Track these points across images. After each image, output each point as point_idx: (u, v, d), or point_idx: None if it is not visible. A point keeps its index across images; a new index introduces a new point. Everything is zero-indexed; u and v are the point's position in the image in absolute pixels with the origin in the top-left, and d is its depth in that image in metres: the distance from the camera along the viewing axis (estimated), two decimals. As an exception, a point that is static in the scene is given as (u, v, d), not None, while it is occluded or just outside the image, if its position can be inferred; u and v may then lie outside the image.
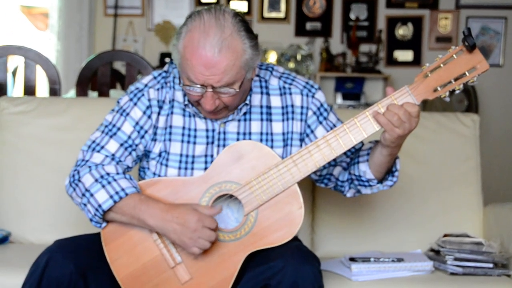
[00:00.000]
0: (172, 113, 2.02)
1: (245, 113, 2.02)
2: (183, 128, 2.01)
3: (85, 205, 1.91)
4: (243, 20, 1.87)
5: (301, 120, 2.05)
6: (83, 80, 3.37)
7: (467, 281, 2.23)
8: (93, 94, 3.66)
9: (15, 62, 3.85)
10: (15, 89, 4.76)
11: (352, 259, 2.28)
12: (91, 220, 1.93)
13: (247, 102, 2.00)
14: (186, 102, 1.99)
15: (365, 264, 2.25)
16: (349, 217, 2.58)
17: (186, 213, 1.83)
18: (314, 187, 2.60)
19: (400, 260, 2.28)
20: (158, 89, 2.03)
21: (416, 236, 2.57)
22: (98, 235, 1.98)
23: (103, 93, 3.36)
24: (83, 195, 1.91)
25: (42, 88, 3.86)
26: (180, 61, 1.87)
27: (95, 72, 3.38)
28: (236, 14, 1.87)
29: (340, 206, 2.57)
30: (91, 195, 1.89)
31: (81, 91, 3.36)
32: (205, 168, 1.98)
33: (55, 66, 3.41)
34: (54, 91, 3.37)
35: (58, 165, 2.59)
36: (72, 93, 4.07)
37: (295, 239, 2.00)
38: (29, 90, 3.35)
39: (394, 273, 2.24)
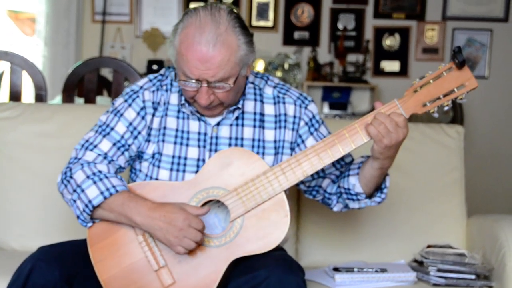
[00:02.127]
0: (166, 115, 2.04)
1: (237, 118, 2.04)
2: (177, 130, 2.03)
3: (74, 201, 1.92)
4: (238, 17, 1.92)
5: (293, 129, 2.08)
6: (69, 87, 3.36)
7: (450, 292, 2.24)
8: (80, 100, 3.65)
9: (1, 67, 3.84)
10: (1, 94, 4.74)
11: (336, 269, 2.29)
12: (78, 217, 1.93)
13: (240, 106, 2.02)
14: (183, 102, 2.02)
15: (349, 274, 2.26)
16: (334, 227, 2.59)
17: (173, 212, 1.84)
18: (299, 197, 2.60)
19: (383, 270, 2.29)
20: (153, 91, 2.06)
21: (399, 246, 2.58)
22: (83, 241, 1.98)
23: (90, 100, 3.35)
24: (74, 190, 1.92)
25: (28, 94, 3.85)
26: (176, 57, 1.92)
27: (81, 78, 3.37)
28: (232, 11, 1.91)
29: (325, 216, 2.57)
30: (82, 190, 1.90)
31: (68, 97, 3.35)
32: (196, 172, 2.00)
33: (41, 72, 3.40)
34: (40, 97, 3.36)
35: (43, 171, 2.58)
36: (58, 99, 4.06)
37: (280, 248, 2.01)
38: (15, 95, 3.33)
39: (377, 284, 2.25)
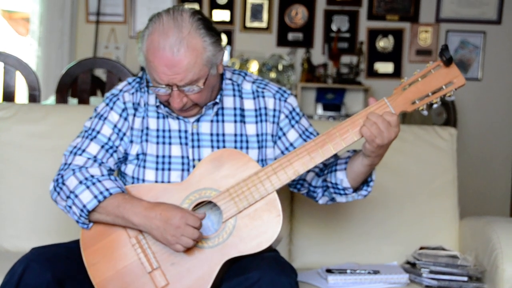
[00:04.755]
0: (147, 115, 2.06)
1: (217, 114, 2.05)
2: (157, 130, 2.05)
3: (70, 207, 1.93)
4: (202, 18, 1.92)
5: (273, 122, 2.09)
6: (63, 87, 3.36)
7: (442, 294, 2.25)
8: (73, 101, 3.64)
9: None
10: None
11: (329, 271, 2.30)
12: (77, 221, 1.94)
13: (218, 101, 2.03)
14: (158, 104, 2.04)
15: (342, 275, 2.26)
16: (327, 228, 2.59)
17: (169, 210, 1.85)
18: (292, 198, 2.60)
19: (376, 272, 2.30)
20: (132, 93, 2.08)
21: (392, 248, 2.58)
22: (76, 243, 1.98)
23: (83, 100, 3.34)
24: (68, 197, 1.93)
25: (21, 94, 3.84)
26: (145, 63, 1.94)
27: (75, 79, 3.37)
28: (195, 13, 1.92)
29: (318, 217, 2.58)
30: (76, 196, 1.91)
31: (61, 98, 3.35)
32: (182, 170, 2.02)
33: (35, 72, 3.39)
34: (34, 98, 3.35)
35: (36, 172, 2.57)
36: (52, 99, 4.05)
37: (273, 250, 2.01)
38: (8, 96, 3.33)
39: (370, 285, 2.26)
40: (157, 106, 2.04)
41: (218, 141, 2.04)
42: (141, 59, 1.96)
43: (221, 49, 1.96)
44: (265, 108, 2.09)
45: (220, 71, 2.00)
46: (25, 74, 3.35)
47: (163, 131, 2.05)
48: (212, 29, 1.93)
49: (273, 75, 5.52)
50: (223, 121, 2.06)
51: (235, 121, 2.07)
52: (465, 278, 2.32)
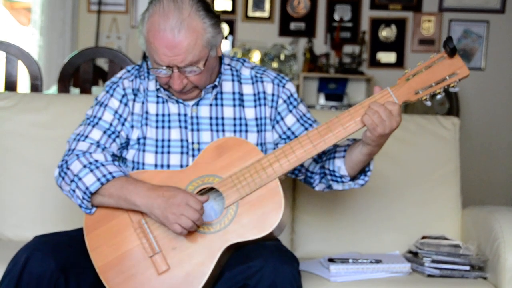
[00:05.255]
0: (147, 101, 2.08)
1: (216, 98, 2.07)
2: (157, 115, 2.07)
3: (73, 191, 1.95)
4: (201, 0, 1.95)
5: (272, 107, 2.11)
6: (65, 77, 3.36)
7: (444, 283, 2.25)
8: (75, 90, 3.64)
9: (-3, 57, 3.83)
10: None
11: (331, 260, 2.30)
12: (80, 206, 1.96)
13: (217, 84, 2.06)
14: (158, 87, 2.06)
15: (344, 265, 2.26)
16: (329, 217, 2.59)
17: (172, 190, 1.87)
18: (295, 188, 2.60)
19: (378, 261, 2.30)
20: (132, 80, 2.11)
21: (394, 237, 2.58)
22: (78, 231, 1.99)
23: (85, 90, 3.34)
24: (72, 180, 1.95)
25: (23, 84, 3.84)
26: (145, 46, 1.97)
27: (77, 68, 3.37)
28: None
29: (320, 207, 2.58)
30: (79, 179, 1.93)
31: (63, 87, 3.35)
32: (181, 153, 2.04)
33: (37, 62, 3.39)
34: (36, 87, 3.35)
35: (38, 161, 2.58)
36: (53, 89, 4.05)
37: (275, 239, 2.02)
38: (10, 85, 3.33)
39: (372, 274, 2.26)
40: (157, 90, 2.07)
41: (217, 124, 2.06)
42: (142, 42, 1.99)
43: (220, 31, 1.99)
44: (264, 92, 2.11)
45: (219, 54, 2.03)
46: (27, 64, 3.35)
47: (163, 115, 2.06)
48: (211, 11, 1.96)
49: (275, 65, 5.51)
50: (222, 105, 2.08)
51: (234, 105, 2.08)
52: (467, 268, 2.32)
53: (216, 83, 2.06)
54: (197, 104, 2.06)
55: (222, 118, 2.07)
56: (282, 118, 2.11)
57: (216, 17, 1.97)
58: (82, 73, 3.36)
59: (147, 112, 2.07)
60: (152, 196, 1.87)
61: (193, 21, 1.90)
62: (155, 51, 1.91)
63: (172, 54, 1.89)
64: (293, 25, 5.71)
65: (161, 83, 2.01)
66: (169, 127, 2.06)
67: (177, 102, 2.06)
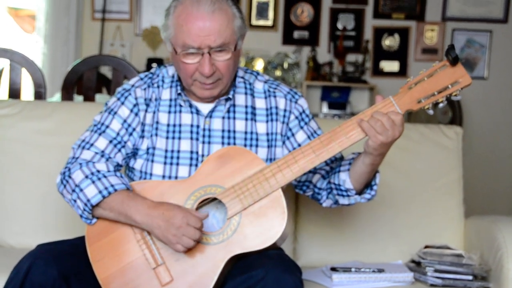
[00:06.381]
0: (158, 110, 2.07)
1: (229, 111, 2.06)
2: (168, 125, 2.06)
3: (75, 201, 1.94)
4: None
5: (283, 122, 2.10)
6: (68, 84, 3.36)
7: (447, 293, 2.25)
8: (79, 98, 3.65)
9: (1, 64, 3.83)
10: (0, 92, 4.74)
11: (333, 269, 2.30)
12: (81, 216, 1.95)
13: (230, 96, 2.05)
14: (179, 91, 2.05)
15: (346, 274, 2.26)
16: (332, 226, 2.59)
17: (171, 210, 1.85)
18: (298, 197, 2.60)
19: (380, 270, 2.29)
20: (144, 89, 2.09)
21: (397, 247, 2.58)
22: (81, 239, 1.98)
23: (89, 98, 3.35)
24: (73, 190, 1.94)
25: (27, 91, 3.85)
26: (174, 33, 1.96)
27: (81, 76, 3.37)
28: None
29: (323, 215, 2.58)
30: (81, 190, 1.92)
31: (67, 95, 3.36)
32: (190, 165, 2.02)
33: (40, 70, 3.40)
34: (39, 95, 3.36)
35: (41, 169, 2.58)
36: (57, 97, 4.06)
37: (277, 248, 2.01)
38: (14, 93, 3.33)
39: (374, 284, 2.26)
40: (179, 94, 2.06)
41: (229, 137, 2.05)
42: (167, 34, 1.99)
43: (246, 26, 2.03)
44: (276, 107, 2.10)
45: (240, 54, 2.05)
46: (31, 71, 3.36)
47: (174, 125, 2.06)
48: (239, 8, 2.01)
49: (278, 73, 5.51)
50: (234, 118, 2.07)
51: (246, 119, 2.08)
52: (470, 277, 2.32)
53: (230, 95, 2.05)
54: (210, 116, 2.05)
55: (234, 131, 2.06)
56: (293, 134, 2.11)
57: (242, 13, 2.01)
58: (86, 81, 3.37)
59: (157, 122, 2.06)
60: (152, 215, 1.86)
61: (224, 6, 1.95)
62: (188, 33, 1.92)
63: (205, 34, 1.91)
64: (296, 34, 5.72)
65: (188, 73, 1.98)
66: (179, 138, 2.05)
67: (191, 112, 2.06)
